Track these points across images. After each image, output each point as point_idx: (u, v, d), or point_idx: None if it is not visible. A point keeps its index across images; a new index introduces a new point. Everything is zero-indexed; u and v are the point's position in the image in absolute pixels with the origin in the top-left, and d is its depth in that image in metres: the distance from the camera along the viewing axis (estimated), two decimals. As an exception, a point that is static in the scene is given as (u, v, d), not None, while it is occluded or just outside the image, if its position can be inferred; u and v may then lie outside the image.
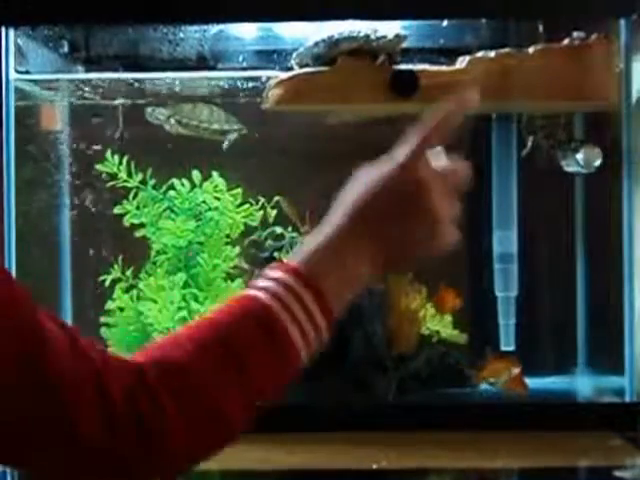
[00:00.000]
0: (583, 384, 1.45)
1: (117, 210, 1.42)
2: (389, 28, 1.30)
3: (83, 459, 0.66)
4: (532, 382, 1.40)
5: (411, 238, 0.76)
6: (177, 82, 1.43)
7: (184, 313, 1.38)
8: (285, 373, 0.74)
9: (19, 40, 1.33)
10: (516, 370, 1.38)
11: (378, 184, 0.77)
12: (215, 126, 1.44)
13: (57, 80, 1.46)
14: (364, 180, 0.78)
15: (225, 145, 1.44)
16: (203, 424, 0.69)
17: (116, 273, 1.42)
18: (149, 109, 1.43)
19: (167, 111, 1.43)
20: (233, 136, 1.44)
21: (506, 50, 1.30)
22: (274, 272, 0.73)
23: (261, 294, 0.71)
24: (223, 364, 0.70)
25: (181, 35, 1.39)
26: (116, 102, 1.47)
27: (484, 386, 1.41)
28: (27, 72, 1.37)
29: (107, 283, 1.42)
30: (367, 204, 0.76)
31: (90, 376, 0.66)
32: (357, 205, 0.76)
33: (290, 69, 1.34)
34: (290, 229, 1.41)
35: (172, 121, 1.43)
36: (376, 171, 0.78)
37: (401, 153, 0.78)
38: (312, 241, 0.75)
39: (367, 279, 0.76)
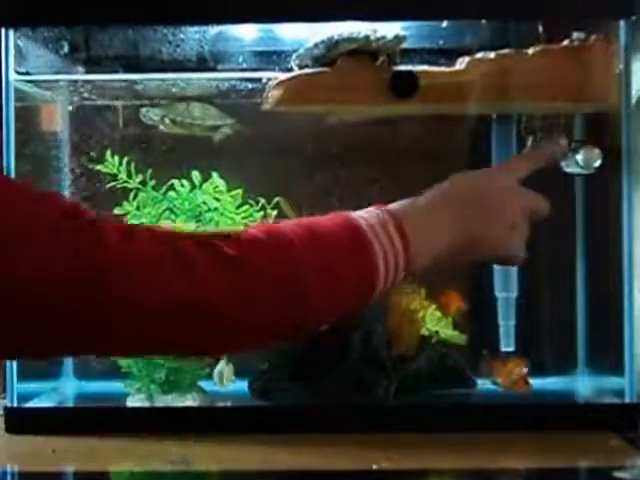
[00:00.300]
0: (583, 385, 1.45)
1: (117, 211, 1.42)
2: (389, 29, 1.30)
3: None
4: (532, 383, 1.40)
5: (489, 232, 0.84)
6: (179, 83, 1.44)
7: (184, 314, 1.38)
8: (363, 279, 0.76)
9: (19, 41, 1.33)
10: (526, 369, 1.38)
11: (478, 177, 0.87)
12: (209, 123, 1.44)
13: (57, 81, 1.46)
14: (466, 174, 0.87)
15: (218, 138, 1.45)
16: (270, 296, 0.71)
17: (116, 274, 1.42)
18: (143, 109, 1.44)
19: (161, 111, 1.44)
20: (226, 130, 1.45)
21: (506, 51, 1.31)
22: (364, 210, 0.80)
23: (348, 215, 0.78)
24: (307, 244, 0.73)
25: (181, 36, 1.39)
26: (116, 103, 1.48)
27: (484, 387, 1.41)
28: (27, 73, 1.37)
29: (107, 284, 1.42)
30: (464, 188, 0.84)
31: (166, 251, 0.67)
32: (454, 186, 0.85)
33: (290, 70, 1.34)
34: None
35: (166, 121, 1.43)
36: (479, 170, 0.89)
37: (504, 164, 0.92)
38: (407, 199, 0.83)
39: (444, 250, 0.81)
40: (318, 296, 0.72)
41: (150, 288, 0.65)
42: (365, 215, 0.79)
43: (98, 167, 1.42)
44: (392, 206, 0.81)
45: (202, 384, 1.41)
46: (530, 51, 1.30)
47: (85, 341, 0.67)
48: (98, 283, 0.64)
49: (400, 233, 0.78)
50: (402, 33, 1.31)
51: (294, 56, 1.34)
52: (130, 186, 1.41)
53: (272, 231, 0.73)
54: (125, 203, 1.41)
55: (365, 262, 0.75)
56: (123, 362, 1.40)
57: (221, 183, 1.42)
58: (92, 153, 1.45)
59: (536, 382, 1.41)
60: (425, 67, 1.32)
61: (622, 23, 1.29)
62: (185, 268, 0.67)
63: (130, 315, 0.65)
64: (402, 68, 1.31)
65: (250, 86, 1.40)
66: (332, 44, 1.29)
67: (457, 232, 0.82)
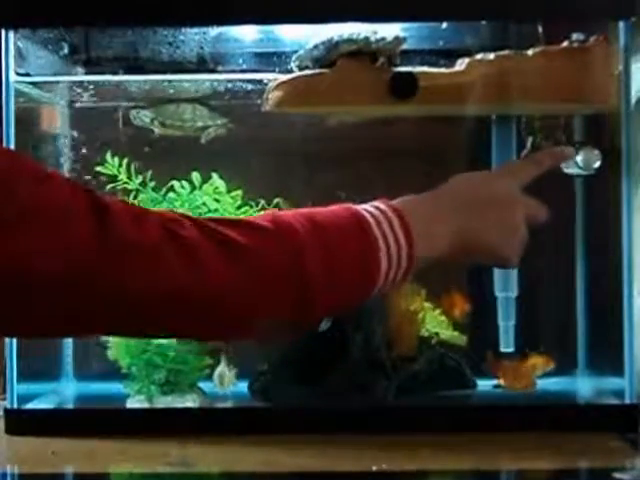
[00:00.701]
0: (583, 385, 1.45)
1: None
2: (389, 30, 1.30)
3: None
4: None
5: (489, 239, 0.84)
6: (183, 84, 1.43)
7: (184, 315, 1.38)
8: (366, 273, 0.76)
9: (19, 42, 1.34)
10: (551, 366, 1.39)
11: (482, 182, 0.87)
12: (200, 124, 1.44)
13: (57, 82, 1.46)
14: (470, 176, 0.88)
15: (205, 139, 1.45)
16: (272, 283, 0.71)
17: (116, 275, 1.42)
18: (134, 112, 1.44)
19: (151, 113, 1.44)
20: (212, 131, 1.45)
21: (505, 52, 1.31)
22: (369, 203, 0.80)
23: (353, 207, 0.79)
24: (311, 234, 0.73)
25: (181, 38, 1.39)
26: (117, 104, 1.48)
27: (483, 388, 1.41)
28: (27, 74, 1.37)
29: (107, 285, 1.42)
30: (468, 193, 0.85)
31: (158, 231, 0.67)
32: (458, 189, 0.85)
33: (290, 71, 1.34)
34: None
35: (156, 123, 1.44)
36: (483, 174, 0.90)
37: (509, 169, 0.92)
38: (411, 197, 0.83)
39: (445, 252, 0.82)
40: (320, 288, 0.72)
41: (153, 276, 0.65)
42: (371, 209, 0.79)
43: (98, 168, 1.42)
44: (397, 203, 0.81)
45: (202, 385, 1.41)
46: (530, 52, 1.30)
47: (85, 322, 0.67)
48: (100, 266, 0.64)
49: (405, 231, 0.78)
50: (402, 34, 1.31)
51: (294, 57, 1.34)
52: (130, 187, 1.41)
53: (277, 220, 0.74)
54: (125, 204, 1.41)
55: (368, 256, 0.75)
56: (123, 363, 1.40)
57: (221, 184, 1.42)
58: (92, 152, 1.45)
59: (536, 383, 1.41)
60: (425, 68, 1.32)
61: (621, 24, 1.29)
62: (190, 256, 0.67)
63: (130, 301, 0.65)
64: (402, 69, 1.31)
65: (250, 87, 1.40)
66: (332, 45, 1.29)
67: (458, 236, 0.82)
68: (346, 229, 0.76)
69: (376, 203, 0.80)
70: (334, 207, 0.79)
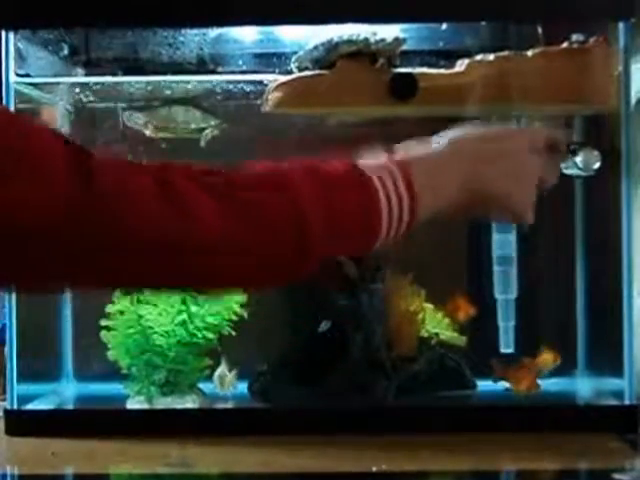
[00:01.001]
0: (583, 386, 1.45)
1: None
2: (388, 31, 1.30)
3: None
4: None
5: (498, 188, 0.81)
6: (185, 85, 1.44)
7: (184, 316, 1.38)
8: (367, 225, 0.74)
9: (19, 43, 1.34)
10: (558, 362, 1.40)
11: (489, 131, 0.84)
12: (192, 125, 1.44)
13: (57, 83, 1.46)
14: (475, 126, 0.85)
15: (206, 139, 1.45)
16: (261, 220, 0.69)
17: (116, 276, 1.42)
18: (126, 113, 1.44)
19: (144, 116, 1.44)
20: (209, 132, 1.45)
21: (505, 53, 1.31)
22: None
23: (354, 160, 0.76)
24: (308, 181, 0.72)
25: (181, 39, 1.39)
26: (116, 105, 1.48)
27: (483, 388, 1.41)
28: (27, 75, 1.37)
29: (107, 286, 1.42)
30: (473, 139, 0.82)
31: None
32: (464, 136, 0.82)
33: (290, 72, 1.34)
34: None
35: (150, 126, 1.44)
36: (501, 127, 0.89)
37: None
38: (419, 143, 0.81)
39: (451, 204, 0.79)
40: (318, 235, 0.70)
41: (139, 220, 0.64)
42: (371, 162, 0.76)
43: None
44: (399, 154, 0.78)
45: (202, 386, 1.41)
46: (529, 53, 1.30)
47: (79, 272, 0.66)
48: (85, 210, 0.63)
49: (407, 183, 0.75)
50: (402, 35, 1.31)
51: (294, 58, 1.34)
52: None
53: (275, 169, 0.72)
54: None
55: (369, 209, 0.73)
56: (123, 364, 1.40)
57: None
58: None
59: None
60: (425, 69, 1.32)
61: (621, 25, 1.29)
62: (179, 204, 0.65)
63: (120, 245, 0.64)
64: (402, 70, 1.31)
65: (250, 88, 1.40)
66: (332, 46, 1.30)
67: (464, 186, 0.79)
68: (346, 181, 0.73)
69: (377, 155, 0.78)
70: (334, 161, 0.77)
